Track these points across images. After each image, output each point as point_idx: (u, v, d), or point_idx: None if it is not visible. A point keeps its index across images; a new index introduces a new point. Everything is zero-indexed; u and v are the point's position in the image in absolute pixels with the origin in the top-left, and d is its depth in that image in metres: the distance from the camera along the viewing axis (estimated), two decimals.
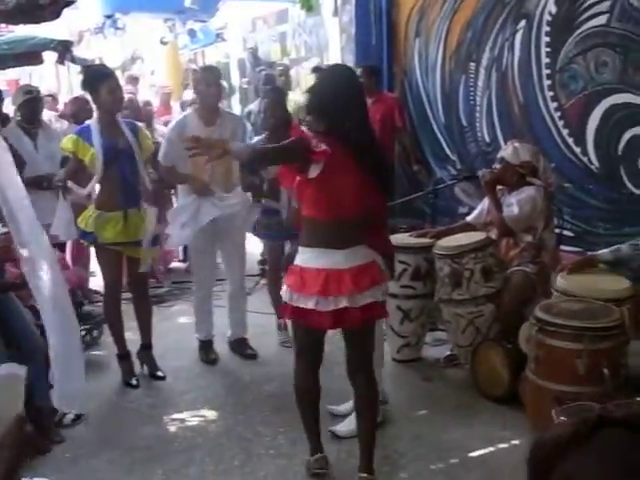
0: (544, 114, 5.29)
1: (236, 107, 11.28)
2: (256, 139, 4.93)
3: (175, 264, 7.35)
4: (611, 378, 3.18)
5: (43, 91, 6.75)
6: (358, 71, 5.60)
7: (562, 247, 4.65)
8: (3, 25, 8.62)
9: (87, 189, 4.47)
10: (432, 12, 6.29)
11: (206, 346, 4.89)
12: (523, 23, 5.38)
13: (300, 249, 3.10)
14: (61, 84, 14.59)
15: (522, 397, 3.66)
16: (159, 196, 4.79)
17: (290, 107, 5.86)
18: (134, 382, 4.50)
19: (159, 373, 4.61)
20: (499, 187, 4.26)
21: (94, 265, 5.19)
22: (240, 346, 4.94)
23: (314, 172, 2.92)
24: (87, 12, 10.15)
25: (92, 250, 4.89)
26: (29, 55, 8.17)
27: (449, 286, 4.19)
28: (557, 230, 4.52)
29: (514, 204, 4.11)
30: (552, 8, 5.12)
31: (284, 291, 3.10)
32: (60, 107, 8.71)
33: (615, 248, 3.86)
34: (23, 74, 13.28)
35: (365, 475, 3.16)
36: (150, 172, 4.54)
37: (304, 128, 3.27)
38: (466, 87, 6.02)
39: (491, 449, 3.51)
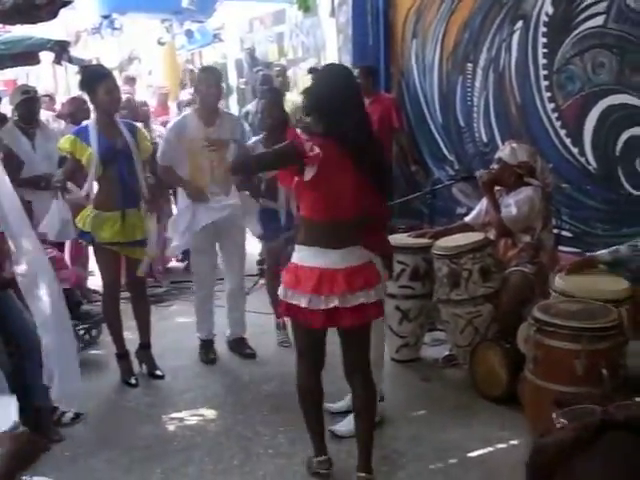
0: (541, 115, 5.30)
1: (234, 107, 11.27)
2: (254, 139, 4.94)
3: (173, 264, 7.35)
4: (609, 378, 3.17)
5: (40, 91, 6.74)
6: (355, 72, 5.60)
7: (560, 248, 4.66)
8: (0, 25, 8.60)
9: (84, 189, 4.47)
10: (429, 13, 6.29)
11: (207, 345, 4.89)
12: (520, 24, 5.38)
13: (297, 247, 3.10)
14: (58, 84, 14.58)
15: (520, 397, 3.65)
16: (157, 201, 4.79)
17: (287, 107, 5.87)
18: (133, 381, 4.50)
19: (158, 372, 4.61)
20: (497, 188, 4.27)
21: (93, 264, 5.18)
22: (239, 346, 4.94)
23: (309, 175, 2.93)
24: (84, 12, 10.14)
25: (91, 250, 4.90)
26: (26, 55, 8.15)
27: (447, 286, 4.19)
28: (555, 230, 4.53)
29: (512, 204, 4.12)
30: (549, 9, 5.12)
31: (280, 288, 3.10)
32: (57, 107, 8.70)
33: (614, 249, 3.86)
34: (20, 74, 13.28)
35: (363, 475, 3.16)
36: (148, 176, 4.53)
37: (298, 130, 3.25)
38: (463, 88, 6.02)
39: (490, 449, 3.52)
